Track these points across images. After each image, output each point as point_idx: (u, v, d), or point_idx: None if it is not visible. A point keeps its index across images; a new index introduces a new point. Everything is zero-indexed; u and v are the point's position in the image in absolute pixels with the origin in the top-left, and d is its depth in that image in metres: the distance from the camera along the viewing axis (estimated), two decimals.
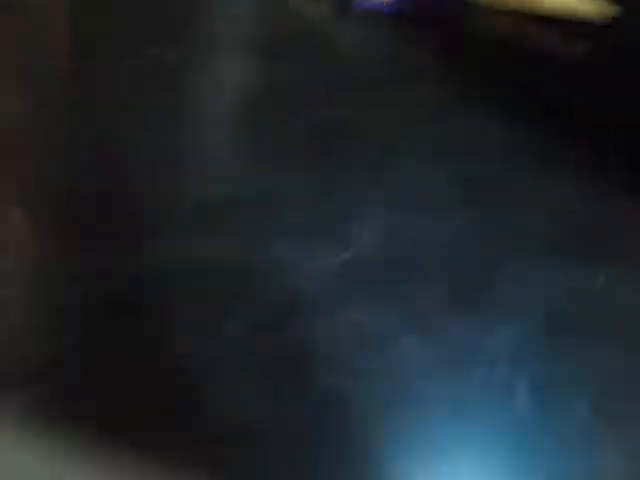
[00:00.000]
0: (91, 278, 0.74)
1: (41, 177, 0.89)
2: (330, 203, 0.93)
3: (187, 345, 0.69)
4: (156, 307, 0.73)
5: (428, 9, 1.50)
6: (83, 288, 0.73)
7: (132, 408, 0.63)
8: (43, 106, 1.01)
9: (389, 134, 1.11)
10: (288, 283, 0.79)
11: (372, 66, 1.34)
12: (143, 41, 1.21)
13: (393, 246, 0.87)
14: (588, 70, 1.42)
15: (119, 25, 1.27)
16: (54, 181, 0.89)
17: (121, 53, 1.19)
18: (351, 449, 0.62)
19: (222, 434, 0.62)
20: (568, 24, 1.51)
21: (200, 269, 0.79)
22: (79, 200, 0.86)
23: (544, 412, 0.69)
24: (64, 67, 1.11)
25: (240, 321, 0.72)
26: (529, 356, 0.75)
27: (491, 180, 1.05)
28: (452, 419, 0.67)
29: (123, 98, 1.06)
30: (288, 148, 1.01)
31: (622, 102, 1.33)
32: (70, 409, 0.61)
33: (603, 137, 1.20)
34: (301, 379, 0.68)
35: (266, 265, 0.80)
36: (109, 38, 1.23)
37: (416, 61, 1.38)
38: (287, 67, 1.20)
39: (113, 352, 0.67)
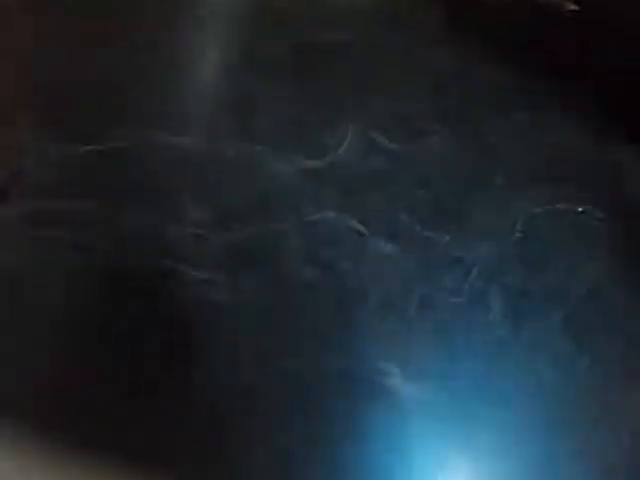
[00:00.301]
0: (56, 162, 0.74)
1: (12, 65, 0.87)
2: (310, 114, 0.94)
3: (152, 227, 0.71)
4: (120, 190, 0.74)
5: None
6: (47, 171, 0.73)
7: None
8: None
9: (378, 59, 1.12)
10: (257, 179, 0.80)
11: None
12: None
13: (370, 158, 0.88)
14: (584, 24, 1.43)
15: None
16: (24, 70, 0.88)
17: None
18: (316, 339, 0.66)
19: (187, 318, 0.65)
20: None
21: (167, 158, 0.79)
22: (47, 86, 0.84)
23: (517, 323, 0.73)
24: None
25: (208, 209, 0.74)
26: (504, 270, 0.78)
27: (477, 111, 1.08)
28: (421, 320, 0.71)
29: None
30: (273, 62, 1.02)
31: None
32: None
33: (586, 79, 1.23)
34: (267, 268, 0.70)
35: (237, 161, 0.81)
36: None
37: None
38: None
39: (61, 231, 0.68)
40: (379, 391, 0.64)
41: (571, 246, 0.85)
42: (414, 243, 0.78)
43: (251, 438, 0.58)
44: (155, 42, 0.96)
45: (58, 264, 0.66)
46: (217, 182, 0.78)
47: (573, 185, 0.95)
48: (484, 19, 1.37)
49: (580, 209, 0.91)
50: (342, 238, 0.76)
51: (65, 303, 0.63)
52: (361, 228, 0.78)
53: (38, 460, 0.55)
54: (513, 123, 1.08)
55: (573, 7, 1.47)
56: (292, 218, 0.76)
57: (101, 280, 0.65)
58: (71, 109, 0.79)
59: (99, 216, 0.70)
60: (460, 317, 0.71)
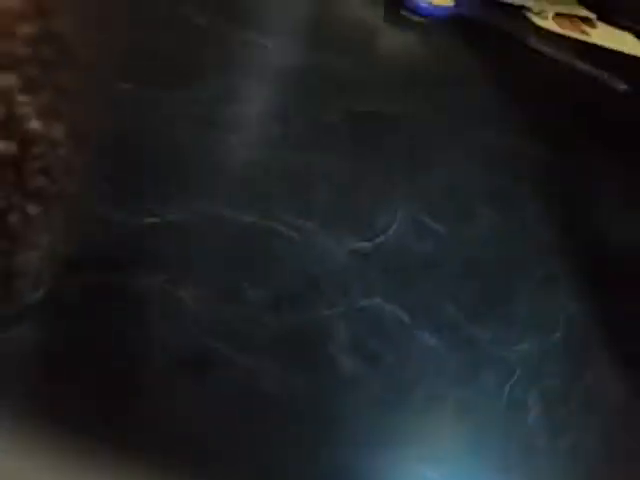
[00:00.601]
0: (119, 233, 0.75)
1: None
2: (361, 191, 0.96)
3: (203, 304, 0.72)
4: (175, 262, 0.75)
5: (483, 18, 1.52)
6: (110, 242, 0.75)
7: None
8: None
9: (426, 132, 1.14)
10: (308, 260, 0.82)
11: (416, 66, 1.36)
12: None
13: (417, 241, 0.90)
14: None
15: None
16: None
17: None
18: (355, 431, 0.66)
19: (231, 396, 0.65)
20: (618, 58, 1.54)
21: (223, 232, 0.81)
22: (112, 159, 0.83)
23: (553, 426, 0.73)
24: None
25: (261, 290, 0.75)
26: (545, 373, 0.79)
27: (520, 190, 1.09)
28: (459, 422, 0.71)
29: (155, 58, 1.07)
30: (325, 134, 1.04)
31: None
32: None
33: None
34: (314, 357, 0.71)
35: (290, 239, 0.83)
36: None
37: (460, 65, 1.41)
38: (332, 58, 1.22)
39: (123, 303, 0.70)
40: None
41: (609, 346, 0.86)
42: (457, 337, 0.79)
43: None
44: (213, 115, 0.99)
45: (114, 333, 0.67)
46: (270, 260, 0.80)
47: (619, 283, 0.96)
48: (535, 97, 1.39)
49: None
50: (387, 328, 0.77)
51: (113, 369, 0.65)
52: (406, 318, 0.79)
53: (35, 461, 0.56)
54: (562, 205, 1.10)
55: (623, 86, 1.49)
56: (340, 304, 0.78)
57: (150, 356, 0.67)
58: (134, 182, 0.81)
59: (156, 289, 0.72)
60: (499, 422, 0.72)
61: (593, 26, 1.59)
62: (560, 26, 1.54)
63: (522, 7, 1.57)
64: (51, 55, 0.57)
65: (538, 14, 1.54)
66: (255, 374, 0.67)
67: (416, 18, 1.48)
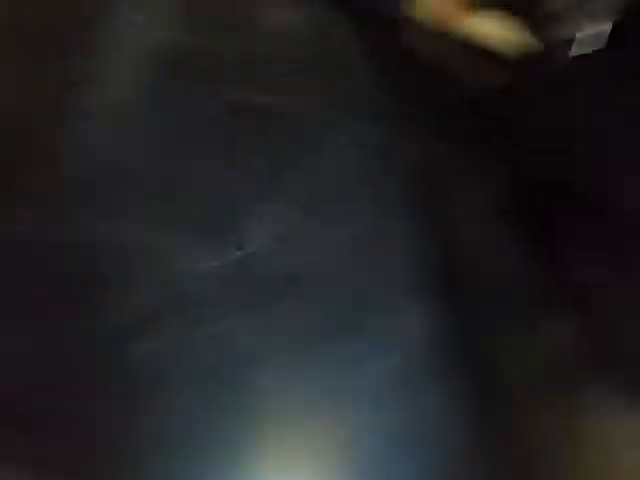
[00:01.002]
0: None
1: None
2: (226, 197, 0.91)
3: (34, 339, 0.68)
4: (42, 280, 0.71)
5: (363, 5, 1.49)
6: None
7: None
8: None
9: (309, 126, 1.11)
10: (168, 279, 0.78)
11: (297, 54, 1.32)
12: None
13: (283, 253, 0.87)
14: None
15: None
16: None
17: None
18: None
19: None
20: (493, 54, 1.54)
21: (64, 247, 0.76)
22: None
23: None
24: None
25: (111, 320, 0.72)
26: (394, 395, 0.79)
27: (396, 190, 1.09)
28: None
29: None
30: (198, 128, 0.98)
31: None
32: None
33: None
34: (161, 393, 0.69)
35: (156, 250, 0.79)
36: None
37: (342, 54, 1.38)
38: (211, 38, 1.16)
39: None
40: None
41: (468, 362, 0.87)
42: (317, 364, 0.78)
43: None
44: (70, 102, 0.91)
45: None
46: (121, 281, 0.76)
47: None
48: (416, 85, 1.38)
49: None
50: (241, 353, 0.75)
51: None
52: (263, 340, 0.77)
53: None
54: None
55: (505, 78, 1.50)
56: (195, 327, 0.75)
57: None
58: None
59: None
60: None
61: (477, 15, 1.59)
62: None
63: None
64: None
65: None
66: (95, 414, 0.64)
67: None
